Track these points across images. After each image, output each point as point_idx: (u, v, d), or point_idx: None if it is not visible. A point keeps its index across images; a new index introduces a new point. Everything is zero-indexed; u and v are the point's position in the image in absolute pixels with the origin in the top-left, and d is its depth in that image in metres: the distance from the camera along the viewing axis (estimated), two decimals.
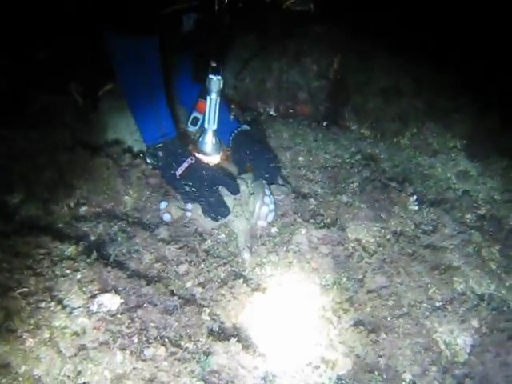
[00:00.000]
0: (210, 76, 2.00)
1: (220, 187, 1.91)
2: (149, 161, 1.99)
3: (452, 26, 2.80)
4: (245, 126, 2.26)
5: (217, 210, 1.86)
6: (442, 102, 2.62)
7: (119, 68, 1.90)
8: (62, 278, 1.38)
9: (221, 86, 2.03)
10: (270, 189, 1.98)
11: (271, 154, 2.18)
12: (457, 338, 1.62)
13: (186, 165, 1.92)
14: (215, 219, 1.87)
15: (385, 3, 2.88)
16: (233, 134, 2.21)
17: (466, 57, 2.65)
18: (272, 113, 2.81)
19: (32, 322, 1.20)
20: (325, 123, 2.61)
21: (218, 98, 2.02)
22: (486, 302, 1.71)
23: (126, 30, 1.78)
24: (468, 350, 1.57)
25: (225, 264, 1.74)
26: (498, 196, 2.25)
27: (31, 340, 1.16)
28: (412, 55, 2.69)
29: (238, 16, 2.13)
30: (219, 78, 2.01)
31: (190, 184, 1.90)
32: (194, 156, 1.96)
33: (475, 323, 1.64)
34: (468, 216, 2.12)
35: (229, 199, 1.91)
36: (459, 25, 2.80)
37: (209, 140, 2.08)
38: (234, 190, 1.93)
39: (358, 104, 2.65)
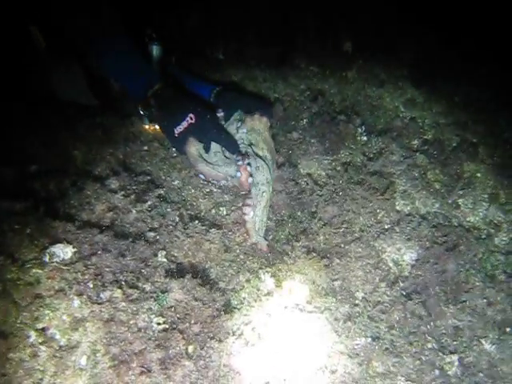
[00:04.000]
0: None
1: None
2: (142, 112, 1.95)
3: None
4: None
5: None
6: (386, 33, 2.62)
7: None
8: (11, 234, 1.38)
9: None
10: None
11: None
12: (403, 255, 1.73)
13: (185, 124, 1.85)
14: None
15: None
16: (213, 93, 2.13)
17: None
18: (220, 56, 2.75)
19: None
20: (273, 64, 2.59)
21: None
22: (428, 220, 1.82)
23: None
24: (412, 265, 1.68)
25: (179, 208, 1.77)
26: (442, 120, 2.32)
27: None
28: None
29: None
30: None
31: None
32: (194, 113, 1.86)
33: (419, 240, 1.74)
34: (414, 142, 2.19)
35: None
36: None
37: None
38: (234, 150, 1.88)
39: (306, 43, 2.63)
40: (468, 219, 1.90)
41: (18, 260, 1.31)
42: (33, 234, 1.41)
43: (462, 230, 1.81)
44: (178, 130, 1.85)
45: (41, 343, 1.18)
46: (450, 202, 1.92)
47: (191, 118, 1.84)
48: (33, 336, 1.18)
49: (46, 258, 1.35)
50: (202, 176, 1.89)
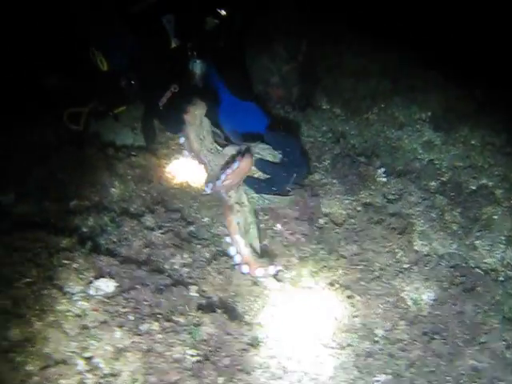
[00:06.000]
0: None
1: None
2: (123, 83, 2.00)
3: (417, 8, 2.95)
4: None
5: None
6: (407, 79, 2.78)
7: None
8: (60, 268, 1.52)
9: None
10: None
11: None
12: (422, 294, 1.80)
13: (168, 94, 1.90)
14: None
15: None
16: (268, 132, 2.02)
17: (428, 37, 2.81)
18: None
19: (37, 307, 1.35)
20: (297, 105, 2.74)
21: None
22: (446, 261, 1.90)
23: None
24: (431, 304, 1.75)
25: (209, 245, 1.89)
26: (459, 163, 2.42)
27: (38, 323, 1.31)
28: (379, 39, 2.86)
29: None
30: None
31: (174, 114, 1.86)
32: (177, 84, 1.90)
33: (437, 280, 1.82)
34: (432, 183, 2.29)
35: None
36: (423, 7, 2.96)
37: None
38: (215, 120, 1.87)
39: (330, 85, 2.79)
40: (485, 261, 1.97)
41: (67, 293, 1.44)
42: (79, 269, 1.55)
43: (479, 271, 1.88)
44: (162, 101, 1.90)
45: (87, 371, 1.29)
46: (467, 243, 2.00)
47: (174, 88, 1.90)
48: (81, 364, 1.30)
49: (92, 292, 1.48)
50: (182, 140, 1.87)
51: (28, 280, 1.41)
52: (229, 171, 1.75)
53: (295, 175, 1.85)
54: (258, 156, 1.88)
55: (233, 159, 1.83)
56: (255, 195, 1.89)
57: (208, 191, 1.81)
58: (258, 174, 1.89)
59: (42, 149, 2.26)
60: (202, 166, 1.84)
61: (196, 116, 1.79)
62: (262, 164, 1.85)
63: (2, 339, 1.24)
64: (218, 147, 1.95)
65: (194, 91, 2.09)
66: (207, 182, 1.84)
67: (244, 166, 1.76)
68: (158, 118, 2.02)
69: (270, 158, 1.91)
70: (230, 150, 1.92)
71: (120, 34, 2.16)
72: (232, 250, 1.72)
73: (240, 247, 1.70)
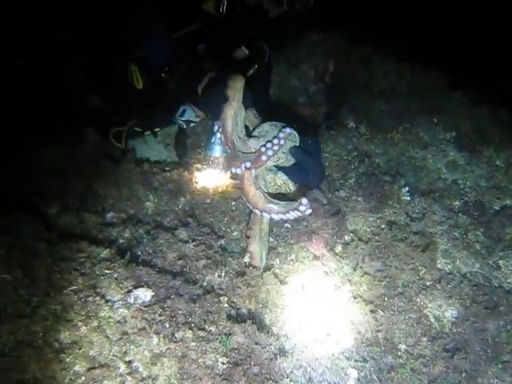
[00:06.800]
0: None
1: None
2: (163, 75, 2.17)
3: (442, 32, 3.04)
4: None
5: None
6: (432, 100, 2.83)
7: None
8: (102, 277, 1.64)
9: None
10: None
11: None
12: (444, 311, 1.85)
13: (206, 80, 2.01)
14: None
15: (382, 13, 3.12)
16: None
17: (453, 60, 2.88)
18: None
19: (83, 313, 1.47)
20: (324, 124, 2.84)
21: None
22: (468, 280, 1.94)
23: None
24: (453, 322, 1.80)
25: (238, 258, 1.99)
26: (483, 183, 2.46)
27: (84, 328, 1.43)
28: (407, 60, 2.95)
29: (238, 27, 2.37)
30: None
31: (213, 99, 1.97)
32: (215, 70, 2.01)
33: (459, 298, 1.87)
34: (456, 203, 2.34)
35: None
36: (448, 31, 3.04)
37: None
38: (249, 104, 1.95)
39: (356, 105, 2.87)
40: (508, 280, 2.00)
41: (109, 300, 1.56)
42: (119, 278, 1.66)
43: (502, 291, 1.92)
44: (200, 87, 2.02)
45: (128, 374, 1.40)
46: (490, 262, 2.03)
47: (211, 74, 1.99)
48: (122, 367, 1.40)
49: (131, 300, 1.59)
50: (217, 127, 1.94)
51: (75, 287, 1.53)
52: (270, 151, 1.83)
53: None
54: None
55: (273, 138, 1.89)
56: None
57: (241, 171, 1.86)
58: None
59: (82, 163, 2.41)
60: (228, 148, 1.90)
61: (236, 90, 1.83)
62: (296, 151, 1.96)
63: (54, 341, 1.36)
64: (246, 137, 2.00)
65: None
66: (233, 166, 1.89)
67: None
68: (198, 104, 2.16)
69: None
70: (254, 143, 1.99)
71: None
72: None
73: None
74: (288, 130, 1.89)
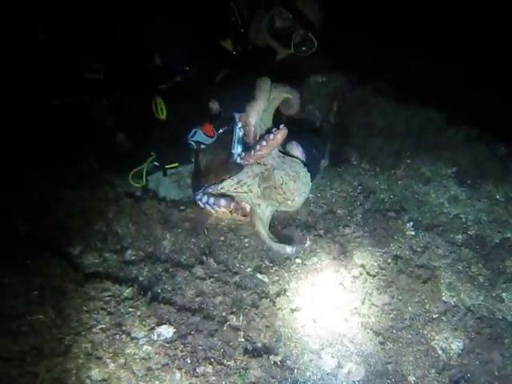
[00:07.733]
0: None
1: None
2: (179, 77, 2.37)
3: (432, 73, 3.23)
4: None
5: None
6: (430, 136, 2.98)
7: None
8: (127, 315, 1.75)
9: None
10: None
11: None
12: (451, 343, 1.94)
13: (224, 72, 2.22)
14: None
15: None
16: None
17: (447, 97, 3.05)
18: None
19: (111, 350, 1.57)
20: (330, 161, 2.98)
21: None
22: (473, 312, 2.03)
23: None
24: (459, 354, 1.88)
25: (252, 293, 2.09)
26: (484, 217, 2.57)
27: (112, 365, 1.53)
28: (403, 100, 3.12)
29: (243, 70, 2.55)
30: None
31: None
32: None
33: (465, 330, 1.95)
34: (459, 236, 2.44)
35: None
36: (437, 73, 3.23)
37: None
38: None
39: (358, 143, 3.03)
40: None
41: (134, 338, 1.66)
42: (142, 316, 1.77)
43: (505, 323, 2.00)
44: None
45: None
46: (494, 295, 2.13)
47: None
48: None
49: (154, 337, 1.69)
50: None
51: (103, 326, 1.64)
52: (264, 143, 1.98)
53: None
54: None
55: (268, 132, 2.03)
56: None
57: (241, 162, 2.05)
58: None
59: (101, 203, 2.55)
60: (252, 137, 2.05)
61: (264, 90, 1.96)
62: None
63: (86, 378, 1.47)
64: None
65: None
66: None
67: (279, 137, 1.96)
68: (218, 97, 2.39)
69: None
70: None
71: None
72: None
73: None
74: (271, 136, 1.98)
